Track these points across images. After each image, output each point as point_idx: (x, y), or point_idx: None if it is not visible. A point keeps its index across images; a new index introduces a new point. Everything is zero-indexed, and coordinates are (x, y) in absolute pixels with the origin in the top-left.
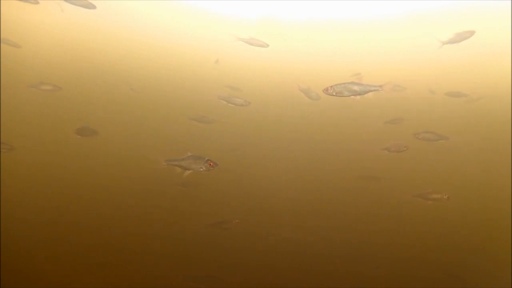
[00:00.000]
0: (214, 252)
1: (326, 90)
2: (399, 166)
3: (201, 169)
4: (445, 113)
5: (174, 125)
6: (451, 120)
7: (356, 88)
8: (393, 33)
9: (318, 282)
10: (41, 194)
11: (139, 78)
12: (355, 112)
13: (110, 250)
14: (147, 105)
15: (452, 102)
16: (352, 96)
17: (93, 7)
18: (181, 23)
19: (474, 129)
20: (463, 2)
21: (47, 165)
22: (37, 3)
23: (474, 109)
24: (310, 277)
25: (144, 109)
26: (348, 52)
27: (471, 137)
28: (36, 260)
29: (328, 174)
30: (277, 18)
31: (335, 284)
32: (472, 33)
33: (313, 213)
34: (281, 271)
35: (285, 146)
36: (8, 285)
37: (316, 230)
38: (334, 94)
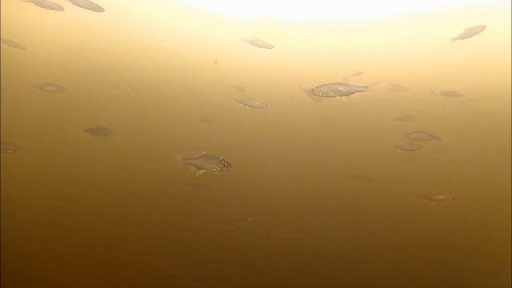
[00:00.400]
0: (214, 252)
1: (312, 91)
2: (399, 166)
3: (215, 169)
4: (445, 113)
5: (174, 125)
6: (451, 120)
7: (342, 88)
8: (393, 33)
9: (318, 282)
10: (41, 194)
11: (139, 78)
12: (355, 112)
13: (110, 250)
14: (147, 105)
15: (452, 102)
16: (338, 97)
17: (101, 9)
18: (181, 23)
19: (474, 129)
20: (463, 2)
21: (47, 165)
22: (62, 9)
23: (474, 109)
24: (310, 277)
25: (144, 109)
26: (348, 52)
27: (471, 137)
28: (36, 260)
29: (328, 174)
30: (277, 18)
31: (335, 284)
32: (483, 28)
33: (313, 213)
34: (281, 271)
35: (285, 146)
36: (8, 285)
37: (316, 230)
38: (320, 94)
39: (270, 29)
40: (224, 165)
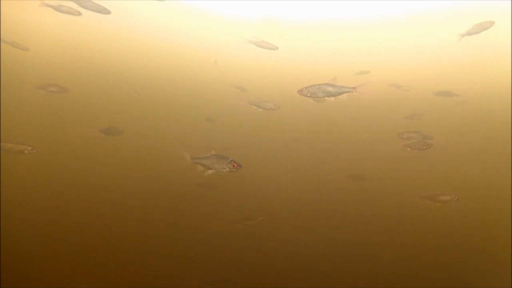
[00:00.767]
0: (214, 252)
1: (300, 91)
2: (399, 166)
3: (224, 170)
4: (445, 113)
5: (174, 125)
6: (451, 120)
7: (330, 89)
8: (393, 33)
9: (318, 282)
10: (41, 194)
11: (140, 78)
12: (355, 112)
13: (110, 250)
14: (148, 105)
15: (452, 102)
16: (326, 98)
17: (107, 12)
18: (182, 23)
19: (474, 129)
20: (463, 2)
21: (48, 165)
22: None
23: (474, 109)
24: (310, 277)
25: (144, 109)
26: (348, 52)
27: (471, 137)
28: (36, 260)
29: (328, 174)
30: (278, 18)
31: (335, 284)
32: (491, 23)
33: (313, 213)
34: (281, 271)
35: (285, 146)
36: (8, 285)
37: (316, 230)
38: (308, 95)
39: (270, 29)
40: (234, 166)
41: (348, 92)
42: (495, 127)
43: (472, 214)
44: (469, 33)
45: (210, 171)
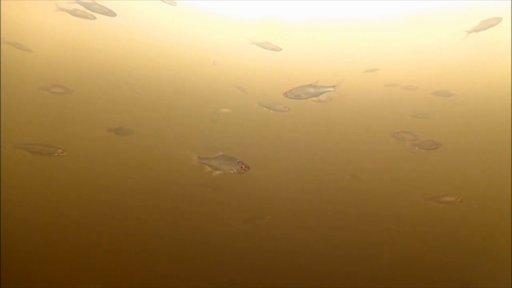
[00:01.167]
0: (214, 252)
1: (285, 94)
2: (399, 167)
3: (232, 171)
4: (445, 113)
5: (174, 125)
6: (451, 120)
7: (311, 90)
8: (393, 33)
9: (318, 282)
10: (41, 194)
11: (140, 78)
12: (355, 112)
13: (110, 250)
14: (147, 105)
15: (452, 102)
16: (309, 98)
17: (113, 14)
18: (182, 23)
19: (474, 129)
20: (463, 2)
21: (48, 165)
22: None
23: (474, 109)
24: (310, 277)
25: (144, 109)
26: (348, 52)
27: (471, 137)
28: (36, 260)
29: (328, 174)
30: (277, 18)
31: (335, 284)
32: (499, 20)
33: (313, 213)
34: (281, 271)
35: (285, 146)
36: (8, 285)
37: (316, 230)
38: (292, 97)
39: (270, 29)
40: (241, 167)
41: (328, 91)
42: (495, 127)
43: (472, 214)
44: (476, 30)
45: (218, 172)
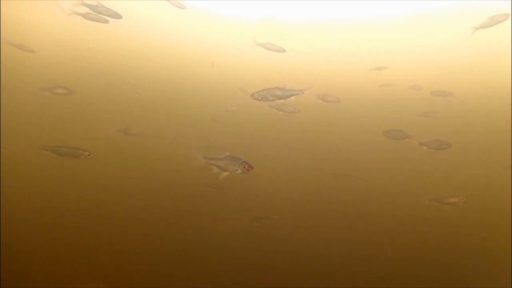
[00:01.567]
0: (214, 252)
1: (252, 95)
2: (399, 166)
3: (237, 171)
4: (445, 113)
5: (175, 125)
6: (451, 120)
7: (279, 93)
8: (393, 33)
9: (318, 282)
10: (41, 194)
11: (141, 78)
12: (355, 112)
13: (110, 250)
14: (147, 105)
15: (452, 102)
16: (276, 101)
17: (119, 16)
18: (182, 23)
19: (474, 129)
20: (463, 2)
21: (48, 165)
22: (107, 22)
23: (474, 109)
24: (310, 277)
25: (144, 109)
26: (348, 52)
27: (471, 137)
28: (36, 260)
29: (328, 174)
30: (277, 18)
31: (335, 284)
32: (507, 16)
33: (313, 213)
34: (280, 271)
35: (285, 146)
36: (8, 285)
37: (316, 230)
38: (259, 99)
39: (270, 29)
40: (244, 167)
41: (296, 94)
42: (495, 127)
43: (472, 214)
44: (483, 26)
45: (225, 173)
